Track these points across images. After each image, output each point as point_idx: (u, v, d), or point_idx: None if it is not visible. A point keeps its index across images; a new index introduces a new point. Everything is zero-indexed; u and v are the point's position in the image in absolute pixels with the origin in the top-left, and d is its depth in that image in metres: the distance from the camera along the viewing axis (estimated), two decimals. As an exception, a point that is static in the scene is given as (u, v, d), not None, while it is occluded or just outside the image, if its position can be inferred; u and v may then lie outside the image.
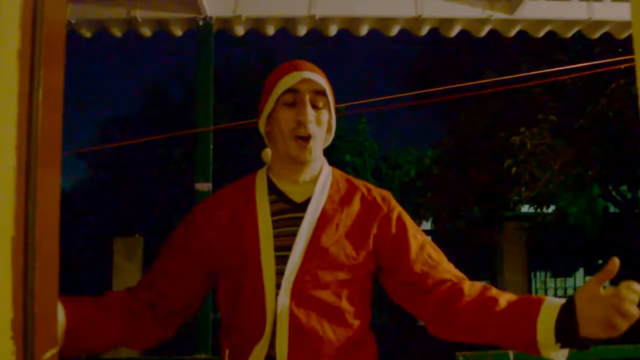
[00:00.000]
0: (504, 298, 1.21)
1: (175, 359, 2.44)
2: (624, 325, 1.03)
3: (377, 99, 3.48)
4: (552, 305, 1.13)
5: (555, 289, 12.82)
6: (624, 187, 8.48)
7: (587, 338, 1.09)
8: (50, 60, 0.60)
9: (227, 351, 1.30)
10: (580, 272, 11.98)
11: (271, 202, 1.33)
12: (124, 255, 6.10)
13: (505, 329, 1.18)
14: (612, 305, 1.03)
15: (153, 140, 11.90)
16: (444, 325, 1.27)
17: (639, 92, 0.86)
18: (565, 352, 1.14)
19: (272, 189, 1.35)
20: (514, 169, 6.33)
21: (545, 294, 10.24)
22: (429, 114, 10.76)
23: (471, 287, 1.26)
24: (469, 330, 1.24)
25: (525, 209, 8.66)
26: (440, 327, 1.29)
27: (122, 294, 1.29)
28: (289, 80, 1.29)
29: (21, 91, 0.56)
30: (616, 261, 1.06)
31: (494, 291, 1.24)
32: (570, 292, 8.82)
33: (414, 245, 1.32)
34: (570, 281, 12.01)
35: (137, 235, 6.22)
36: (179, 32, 3.26)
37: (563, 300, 1.14)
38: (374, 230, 1.33)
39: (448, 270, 1.32)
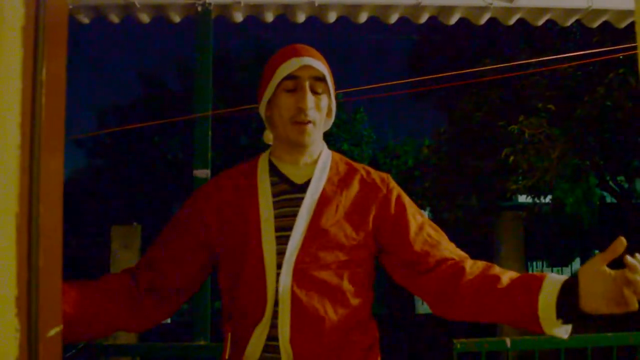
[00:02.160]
0: (506, 275, 1.22)
1: (175, 345, 2.45)
2: (635, 302, 1.03)
3: (374, 85, 3.47)
4: (553, 280, 1.15)
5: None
6: (621, 178, 8.49)
7: (588, 314, 1.10)
8: (53, 39, 0.60)
9: (229, 334, 1.31)
10: (576, 262, 12.04)
11: (272, 184, 1.34)
12: (121, 243, 6.08)
13: (507, 306, 1.19)
14: (626, 282, 1.03)
15: (151, 127, 11.87)
16: (447, 304, 1.28)
17: None
18: (568, 328, 1.15)
19: (274, 171, 1.37)
20: (511, 158, 6.33)
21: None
22: (427, 103, 10.74)
23: (473, 266, 1.27)
24: (471, 308, 1.24)
25: (522, 198, 8.67)
26: (442, 306, 1.30)
27: (121, 276, 1.29)
28: (289, 67, 1.29)
29: (25, 69, 0.55)
30: (623, 240, 1.07)
31: (496, 269, 1.25)
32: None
33: (413, 225, 1.34)
34: (567, 271, 12.07)
35: (134, 224, 6.20)
36: (177, 19, 3.24)
37: (565, 277, 1.15)
38: (374, 211, 1.34)
39: (449, 249, 1.33)
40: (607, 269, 1.08)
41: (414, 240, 1.32)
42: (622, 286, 1.04)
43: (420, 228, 1.35)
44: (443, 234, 1.38)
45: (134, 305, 1.26)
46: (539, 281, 1.16)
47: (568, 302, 1.11)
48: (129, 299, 1.25)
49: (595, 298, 1.08)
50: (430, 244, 1.32)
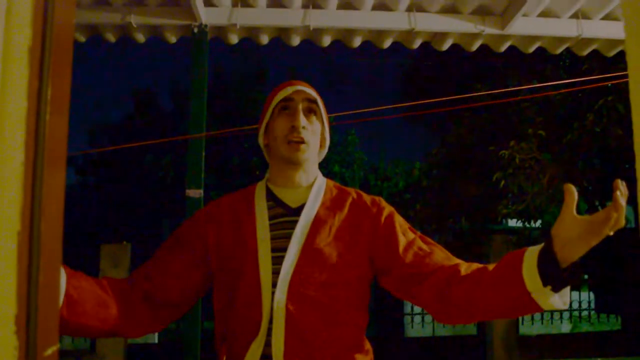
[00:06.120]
0: (492, 265, 1.22)
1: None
2: (620, 218, 1.05)
3: (367, 110, 3.50)
4: (532, 250, 1.15)
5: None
6: (610, 203, 8.55)
7: (572, 271, 1.10)
8: (59, 59, 0.61)
9: (224, 358, 1.34)
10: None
11: (269, 208, 1.40)
12: (110, 262, 6.02)
13: (499, 293, 1.18)
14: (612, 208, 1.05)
15: (142, 146, 11.86)
16: (446, 308, 1.28)
17: (633, 107, 0.87)
18: (565, 297, 1.13)
19: (270, 196, 1.44)
20: (502, 183, 6.37)
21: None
22: (419, 127, 10.84)
23: (467, 268, 1.27)
24: (468, 307, 1.24)
25: (512, 222, 8.72)
26: (443, 311, 1.30)
27: (118, 280, 1.32)
28: (283, 93, 1.42)
29: (30, 88, 0.56)
30: (570, 186, 1.09)
31: (487, 265, 1.25)
32: (555, 306, 8.83)
33: (402, 241, 1.37)
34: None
35: (124, 242, 6.14)
36: (173, 39, 3.27)
37: (542, 244, 1.14)
38: (365, 232, 1.38)
39: (443, 256, 1.35)
40: (577, 215, 1.09)
41: (405, 255, 1.34)
42: (599, 221, 1.05)
43: (411, 243, 1.37)
44: (437, 245, 1.40)
45: (128, 310, 1.28)
46: (519, 257, 1.16)
47: (548, 262, 1.10)
48: (125, 302, 1.27)
49: (572, 242, 1.08)
50: (421, 256, 1.34)
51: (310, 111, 1.42)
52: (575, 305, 9.07)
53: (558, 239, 1.10)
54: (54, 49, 0.59)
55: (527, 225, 7.02)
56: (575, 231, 1.07)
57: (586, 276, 10.50)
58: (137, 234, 12.51)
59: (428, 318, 8.98)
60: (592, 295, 9.02)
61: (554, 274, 1.10)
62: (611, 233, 1.06)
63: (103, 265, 6.01)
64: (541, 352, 6.85)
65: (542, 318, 8.77)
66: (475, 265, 1.28)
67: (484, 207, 7.57)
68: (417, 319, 9.03)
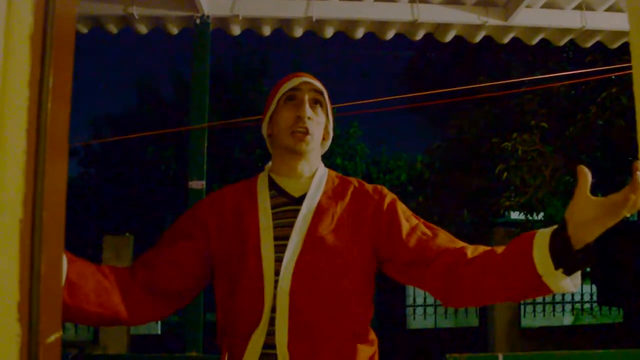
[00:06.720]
0: (501, 248, 1.21)
1: (167, 357, 2.43)
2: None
3: (369, 101, 3.49)
4: (544, 232, 1.13)
5: (544, 297, 12.79)
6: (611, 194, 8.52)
7: (585, 254, 1.08)
8: (61, 48, 0.61)
9: (226, 354, 1.33)
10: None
11: (271, 197, 1.41)
12: (113, 253, 6.04)
13: (509, 275, 1.17)
14: (631, 189, 1.01)
15: (145, 138, 11.85)
16: (453, 291, 1.28)
17: (636, 99, 0.86)
18: (576, 279, 1.12)
19: (273, 185, 1.44)
20: (504, 175, 6.36)
21: (534, 300, 10.22)
22: (421, 119, 10.81)
23: (474, 250, 1.27)
24: (475, 290, 1.23)
25: (515, 215, 8.71)
26: (449, 295, 1.30)
27: (120, 268, 1.31)
28: (290, 83, 1.42)
29: (32, 76, 0.56)
30: (584, 168, 1.07)
31: (495, 248, 1.24)
32: (558, 298, 8.85)
33: (405, 226, 1.37)
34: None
35: (127, 234, 6.16)
36: (175, 30, 3.26)
37: (555, 226, 1.13)
38: (368, 219, 1.38)
39: (447, 240, 1.34)
40: (592, 197, 1.06)
41: (408, 240, 1.34)
42: (616, 203, 1.02)
43: (414, 228, 1.37)
44: (441, 230, 1.39)
45: (129, 297, 1.26)
46: (530, 238, 1.14)
47: (560, 245, 1.08)
48: (126, 290, 1.26)
49: (587, 224, 1.06)
50: (425, 240, 1.34)
51: (316, 102, 1.43)
52: (577, 298, 9.10)
53: (572, 221, 1.08)
54: (55, 37, 0.59)
55: (530, 218, 7.00)
56: (589, 213, 1.05)
57: (588, 269, 10.48)
58: (139, 226, 12.54)
59: (430, 310, 9.00)
60: (594, 287, 9.02)
61: (567, 257, 1.08)
62: (629, 214, 1.04)
63: (105, 256, 6.04)
64: (543, 344, 6.86)
65: (544, 310, 8.79)
66: (482, 248, 1.27)
67: (486, 200, 7.57)
68: (419, 310, 9.04)
